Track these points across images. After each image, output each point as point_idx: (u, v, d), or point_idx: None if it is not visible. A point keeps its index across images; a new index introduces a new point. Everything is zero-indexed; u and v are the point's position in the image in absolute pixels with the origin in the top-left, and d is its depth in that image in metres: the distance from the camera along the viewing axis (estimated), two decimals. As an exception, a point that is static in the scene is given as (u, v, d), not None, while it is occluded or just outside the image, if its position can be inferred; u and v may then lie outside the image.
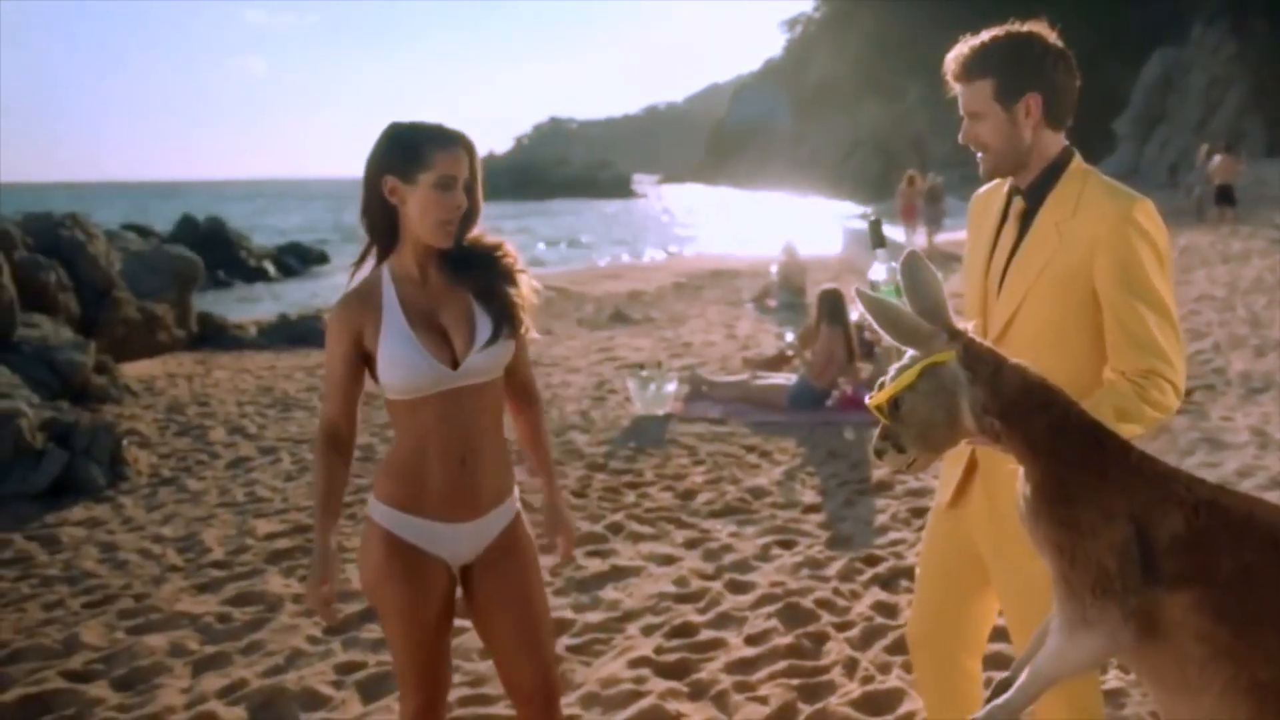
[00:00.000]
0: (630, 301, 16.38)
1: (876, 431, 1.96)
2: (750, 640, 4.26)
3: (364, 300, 2.47)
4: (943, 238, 21.28)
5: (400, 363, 2.41)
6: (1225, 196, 21.71)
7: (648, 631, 4.37)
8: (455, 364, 2.45)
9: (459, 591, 2.62)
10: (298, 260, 30.45)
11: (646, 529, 5.62)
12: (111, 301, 11.14)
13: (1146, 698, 3.51)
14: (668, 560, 5.16)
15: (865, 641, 4.20)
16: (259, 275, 26.80)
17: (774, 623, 4.39)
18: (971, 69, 2.30)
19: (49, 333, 9.30)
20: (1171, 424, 7.19)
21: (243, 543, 5.55)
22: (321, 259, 31.56)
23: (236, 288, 24.66)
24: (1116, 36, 46.19)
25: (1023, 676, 1.83)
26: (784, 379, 8.76)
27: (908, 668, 3.95)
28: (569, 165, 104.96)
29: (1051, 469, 1.80)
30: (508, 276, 2.56)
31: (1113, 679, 3.74)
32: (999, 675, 1.98)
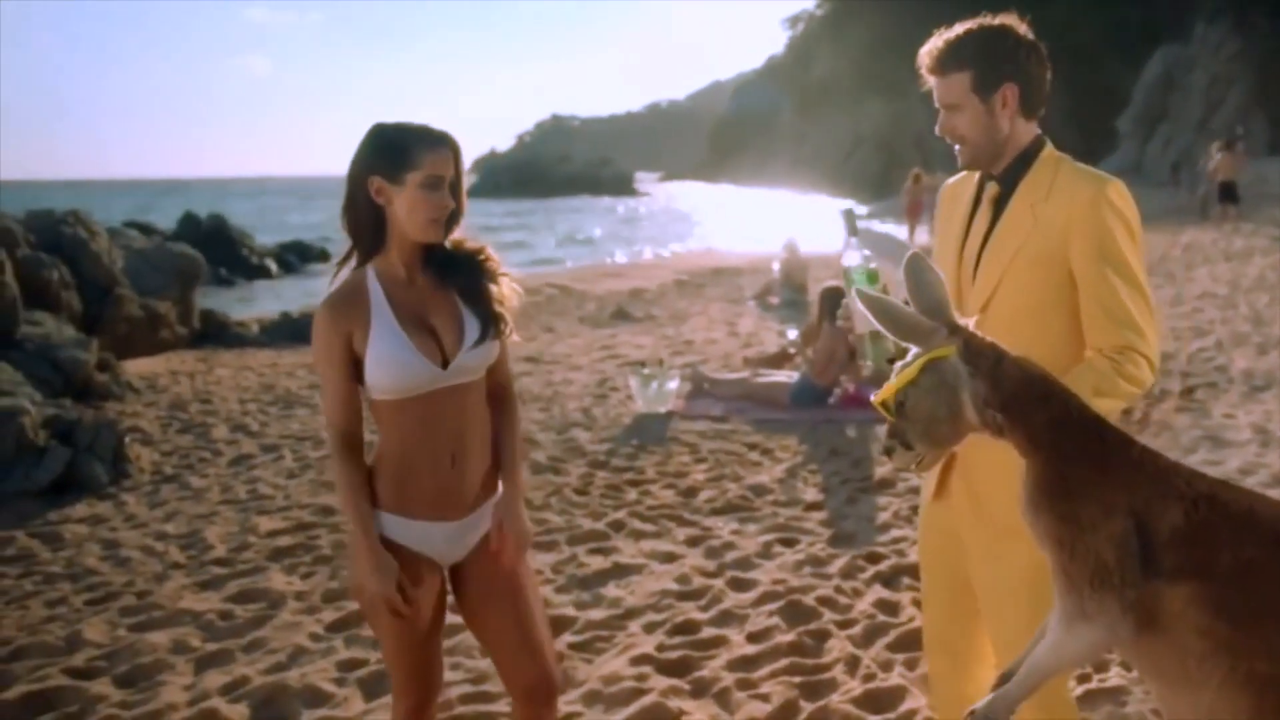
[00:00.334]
0: (632, 299, 16.38)
1: (885, 429, 1.97)
2: (752, 638, 4.26)
3: (351, 302, 2.45)
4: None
5: (392, 362, 2.40)
6: (1228, 194, 21.69)
7: (649, 629, 4.37)
8: (445, 363, 2.45)
9: (449, 590, 2.62)
10: (300, 258, 30.45)
11: (648, 526, 5.63)
12: (114, 299, 11.15)
13: (1149, 695, 3.51)
14: (670, 558, 5.16)
15: (867, 639, 4.20)
16: (261, 273, 26.81)
17: (776, 620, 4.39)
18: (947, 62, 2.32)
19: (51, 330, 9.31)
20: (1174, 421, 7.19)
21: (245, 540, 5.56)
22: (324, 257, 31.56)
23: (239, 285, 24.65)
24: (1118, 34, 46.16)
25: (1021, 670, 1.84)
26: (786, 376, 8.76)
27: (910, 665, 3.96)
28: (571, 163, 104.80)
29: (1052, 463, 1.81)
30: (492, 278, 2.56)
31: (1115, 676, 3.74)
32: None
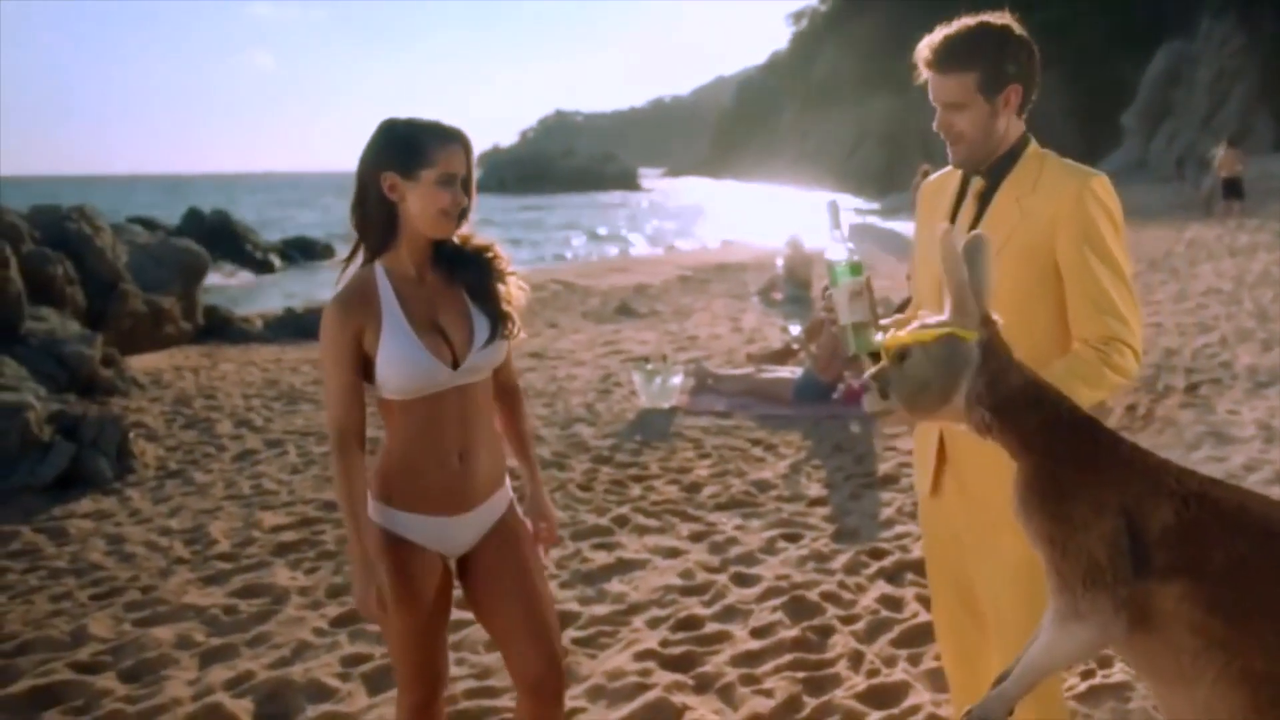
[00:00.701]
0: (636, 295, 16.37)
1: (874, 370, 1.97)
2: (755, 633, 4.26)
3: (361, 299, 2.45)
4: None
5: (403, 362, 2.40)
6: (1233, 190, 21.64)
7: (653, 624, 4.38)
8: (455, 363, 2.46)
9: (456, 585, 2.62)
10: (304, 254, 30.46)
11: (652, 522, 5.63)
12: (118, 294, 11.16)
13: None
14: (673, 553, 5.17)
15: (871, 635, 4.21)
16: (265, 268, 26.83)
17: (779, 616, 4.39)
18: (953, 60, 2.31)
19: (56, 326, 9.32)
20: (1178, 417, 7.19)
21: (249, 535, 5.57)
22: (327, 252, 31.58)
23: (242, 281, 24.66)
24: (1124, 30, 46.09)
25: (1016, 669, 1.84)
26: (789, 372, 8.75)
27: (913, 660, 3.96)
28: (575, 158, 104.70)
29: (1044, 464, 1.82)
30: (500, 276, 2.56)
31: (1118, 672, 3.74)
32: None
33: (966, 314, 1.88)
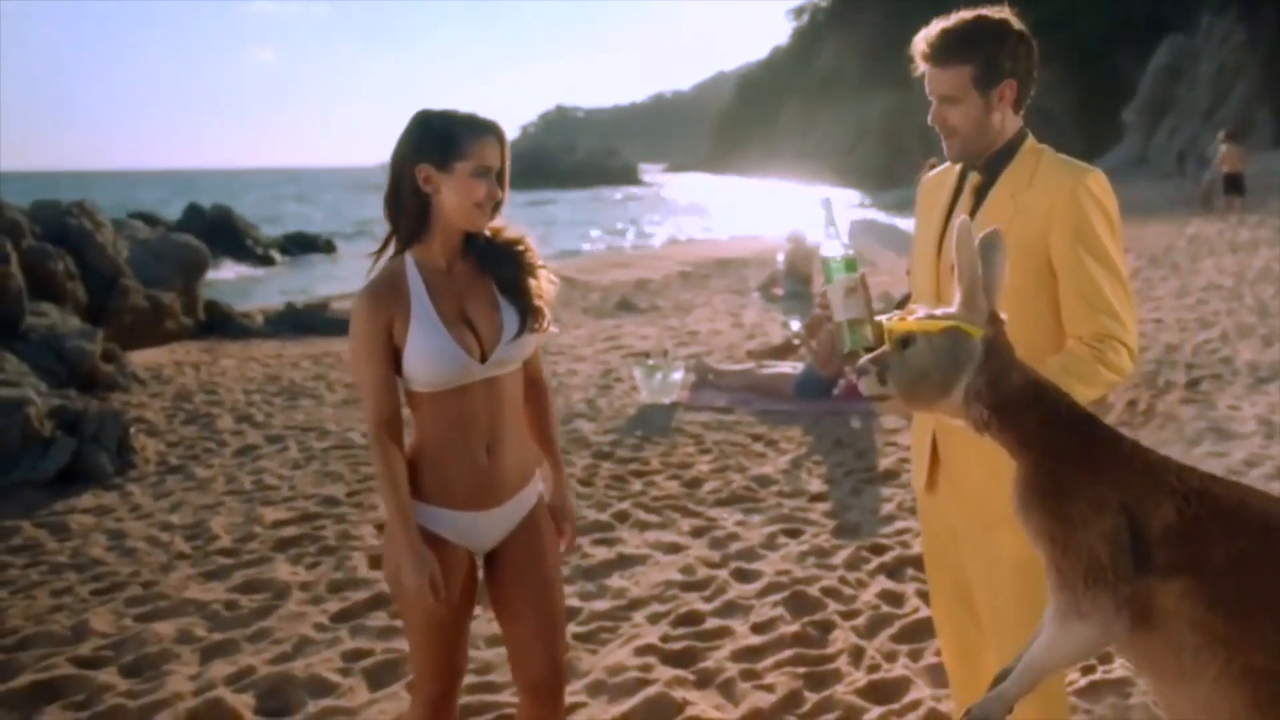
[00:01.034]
0: (637, 290, 16.37)
1: (873, 354, 1.96)
2: (756, 628, 4.26)
3: (391, 290, 2.44)
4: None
5: (431, 354, 2.40)
6: (1234, 185, 21.62)
7: (654, 620, 4.38)
8: (483, 356, 2.45)
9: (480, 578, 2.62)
10: (304, 249, 30.48)
11: (653, 517, 5.63)
12: (119, 290, 11.15)
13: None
14: (674, 549, 5.17)
15: (871, 630, 4.21)
16: (266, 264, 26.85)
17: (780, 611, 4.39)
18: (947, 53, 2.30)
19: (57, 321, 9.32)
20: (1178, 413, 7.19)
21: (250, 530, 5.57)
22: (328, 248, 31.61)
23: (241, 275, 24.67)
24: (1125, 25, 46.06)
25: (1017, 668, 1.84)
26: (790, 368, 8.75)
27: (914, 656, 3.96)
28: (576, 153, 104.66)
29: (1043, 463, 1.81)
30: (530, 270, 2.55)
31: (1119, 668, 3.74)
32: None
33: (975, 309, 1.88)
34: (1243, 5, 38.21)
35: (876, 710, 3.57)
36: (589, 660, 4.02)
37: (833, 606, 4.42)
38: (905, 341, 1.90)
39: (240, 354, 11.24)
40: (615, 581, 4.78)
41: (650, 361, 8.67)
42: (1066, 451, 1.80)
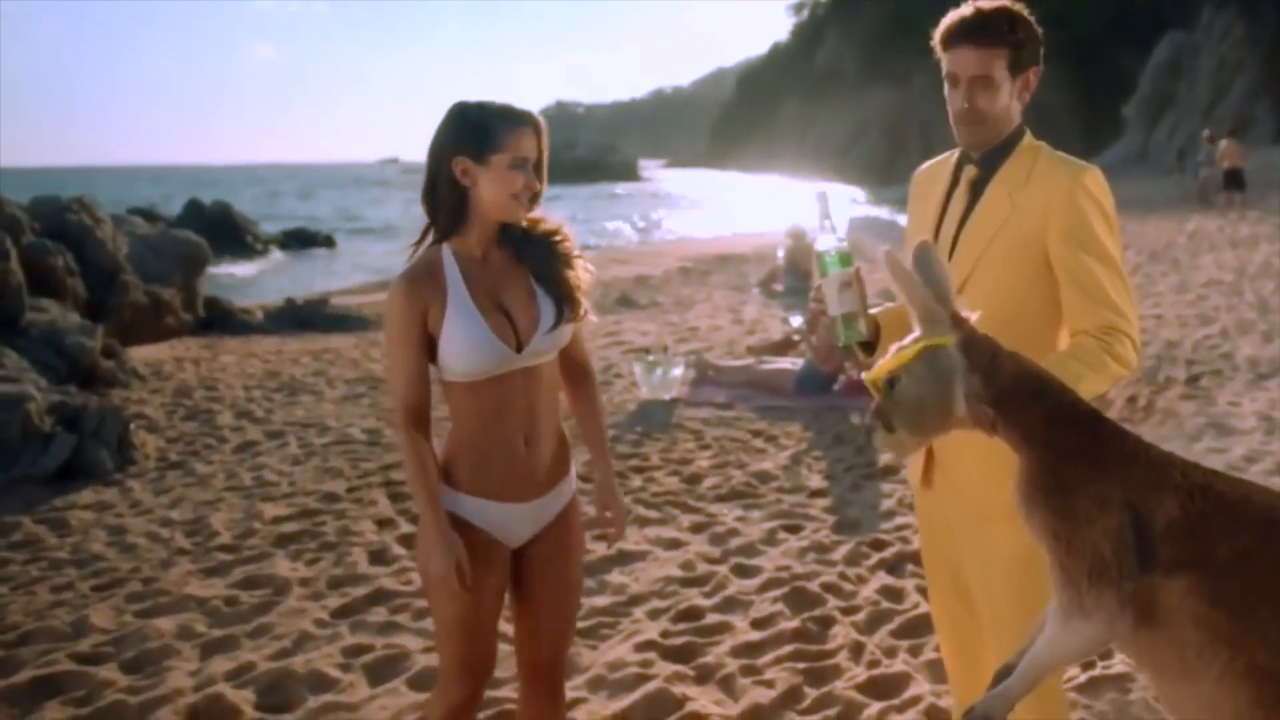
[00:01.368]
0: (637, 286, 16.37)
1: (871, 408, 1.96)
2: (756, 624, 4.27)
3: (428, 278, 2.43)
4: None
5: (467, 344, 2.39)
6: (1234, 181, 21.62)
7: (654, 615, 4.38)
8: (519, 346, 2.44)
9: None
10: (303, 245, 30.50)
11: (653, 513, 5.63)
12: (119, 285, 11.15)
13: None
14: (674, 544, 5.17)
15: (871, 626, 4.21)
16: (266, 260, 26.86)
17: (780, 607, 4.40)
18: (988, 32, 2.29)
19: (57, 317, 9.32)
20: (1178, 409, 7.19)
21: (250, 526, 5.57)
22: (328, 243, 31.62)
23: (241, 271, 24.67)
24: (1125, 20, 46.02)
25: (1019, 666, 1.83)
26: (790, 364, 8.75)
27: (914, 651, 3.97)
28: (576, 149, 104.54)
29: (1047, 458, 1.80)
30: (566, 260, 2.54)
31: (1119, 664, 3.75)
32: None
33: (935, 322, 1.87)
34: (1243, 1, 38.17)
35: (876, 706, 3.58)
36: (589, 656, 4.03)
37: (833, 602, 4.43)
38: (891, 383, 1.90)
39: (240, 350, 11.24)
40: (615, 577, 4.78)
41: (650, 357, 8.68)
42: (1070, 447, 1.79)
